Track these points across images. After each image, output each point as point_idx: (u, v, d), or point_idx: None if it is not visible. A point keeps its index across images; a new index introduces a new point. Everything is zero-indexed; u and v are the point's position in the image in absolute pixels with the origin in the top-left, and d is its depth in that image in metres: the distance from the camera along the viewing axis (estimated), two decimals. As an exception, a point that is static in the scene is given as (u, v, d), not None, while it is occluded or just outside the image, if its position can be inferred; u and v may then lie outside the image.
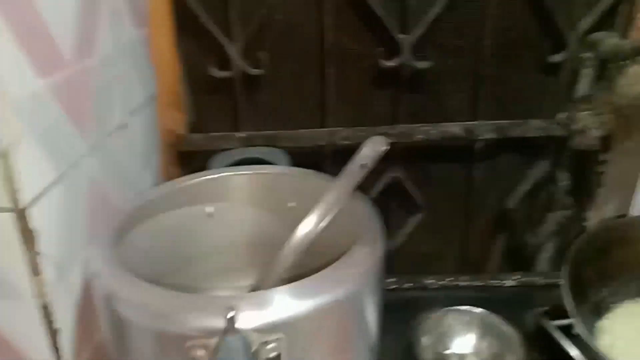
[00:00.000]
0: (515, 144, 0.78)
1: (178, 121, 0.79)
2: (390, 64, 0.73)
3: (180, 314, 0.40)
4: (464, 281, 0.82)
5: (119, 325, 0.44)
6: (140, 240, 0.55)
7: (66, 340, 0.50)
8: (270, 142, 0.77)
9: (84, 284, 0.53)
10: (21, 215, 0.44)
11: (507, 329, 0.65)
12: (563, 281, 0.62)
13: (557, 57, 0.74)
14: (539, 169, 0.81)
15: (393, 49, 0.73)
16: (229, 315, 0.37)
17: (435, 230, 0.85)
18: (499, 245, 0.86)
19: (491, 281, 0.81)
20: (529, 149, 0.80)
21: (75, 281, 0.52)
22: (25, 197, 0.44)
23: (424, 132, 0.76)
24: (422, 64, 0.74)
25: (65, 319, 0.50)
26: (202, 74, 0.76)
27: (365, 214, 0.52)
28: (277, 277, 0.52)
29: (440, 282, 0.81)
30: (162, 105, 0.76)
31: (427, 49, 0.74)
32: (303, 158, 0.79)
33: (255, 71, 0.75)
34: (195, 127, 0.80)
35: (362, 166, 0.52)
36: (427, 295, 0.81)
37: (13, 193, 0.43)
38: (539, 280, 0.82)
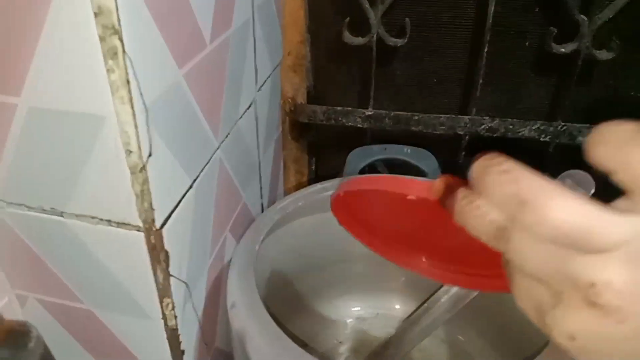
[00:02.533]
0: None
1: (298, 87, 0.70)
2: (562, 49, 0.60)
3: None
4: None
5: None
6: (274, 249, 0.49)
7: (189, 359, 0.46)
8: (400, 124, 0.67)
9: (207, 297, 0.48)
10: (155, 235, 0.38)
11: None
12: None
13: None
14: None
15: (568, 32, 0.60)
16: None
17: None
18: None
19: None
20: None
21: (200, 296, 0.47)
22: (160, 216, 0.38)
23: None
24: (603, 54, 0.60)
25: (190, 339, 0.46)
26: (332, 38, 0.66)
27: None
28: (433, 326, 0.45)
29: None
30: (284, 69, 0.68)
31: (609, 36, 0.59)
32: (436, 145, 0.70)
33: (394, 41, 0.64)
34: (316, 97, 0.71)
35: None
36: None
37: (148, 212, 0.37)
38: None
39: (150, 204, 0.37)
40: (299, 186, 0.79)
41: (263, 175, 0.63)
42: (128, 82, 0.32)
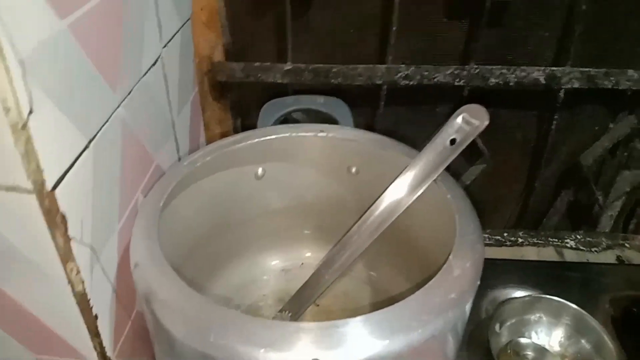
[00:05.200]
0: (603, 94, 0.67)
1: (214, 45, 0.68)
2: (470, -9, 0.61)
3: (227, 339, 0.33)
4: (521, 237, 0.75)
5: (157, 326, 0.38)
6: (184, 207, 0.49)
7: (105, 325, 0.45)
8: (319, 77, 0.67)
9: (121, 260, 0.47)
10: (48, 197, 0.36)
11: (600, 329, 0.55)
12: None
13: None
14: (623, 125, 0.71)
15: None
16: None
17: (496, 182, 0.77)
18: (563, 202, 0.79)
19: (550, 239, 0.75)
20: (615, 100, 0.69)
21: (111, 257, 0.46)
22: (51, 177, 0.36)
23: (500, 76, 0.65)
24: (508, -6, 0.61)
25: (104, 303, 0.45)
26: (245, -10, 0.64)
27: (460, 209, 0.44)
28: (346, 264, 0.46)
29: (494, 237, 0.75)
30: (197, 26, 0.65)
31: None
32: (356, 96, 0.70)
33: (308, -8, 0.63)
34: (234, 54, 0.69)
35: (453, 142, 0.43)
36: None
37: (36, 173, 0.35)
38: (601, 240, 0.75)
39: (38, 164, 0.35)
40: (225, 147, 0.77)
41: (179, 137, 0.61)
42: (-5, 34, 0.30)
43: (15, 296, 0.42)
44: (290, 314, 0.48)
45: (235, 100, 0.74)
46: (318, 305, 0.56)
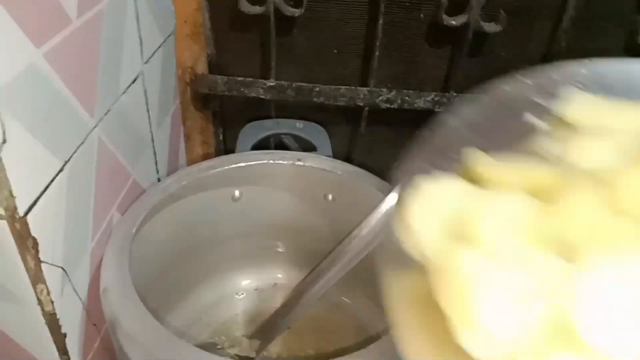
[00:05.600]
0: None
1: (198, 57, 0.69)
2: (453, 21, 0.62)
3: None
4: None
5: (120, 352, 0.39)
6: (158, 230, 0.50)
7: (74, 343, 0.46)
8: (302, 96, 0.67)
9: (92, 278, 0.48)
10: (20, 223, 0.37)
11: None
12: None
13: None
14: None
15: (459, 4, 0.61)
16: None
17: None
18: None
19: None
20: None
21: (83, 275, 0.46)
22: (23, 203, 0.37)
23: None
24: (491, 27, 0.62)
25: (73, 321, 0.45)
26: (231, 6, 0.64)
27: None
28: (318, 294, 0.47)
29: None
30: (181, 38, 0.66)
31: (496, 9, 0.61)
32: (337, 116, 0.71)
33: (292, 11, 0.63)
34: (217, 67, 0.70)
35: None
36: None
37: (8, 200, 0.36)
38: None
39: (10, 191, 0.36)
40: (206, 157, 0.78)
41: (158, 150, 0.62)
42: (-32, 67, 0.31)
43: (-16, 312, 0.43)
44: (259, 342, 0.49)
45: (218, 110, 0.74)
46: (289, 328, 0.57)
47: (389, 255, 0.28)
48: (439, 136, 0.33)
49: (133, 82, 0.52)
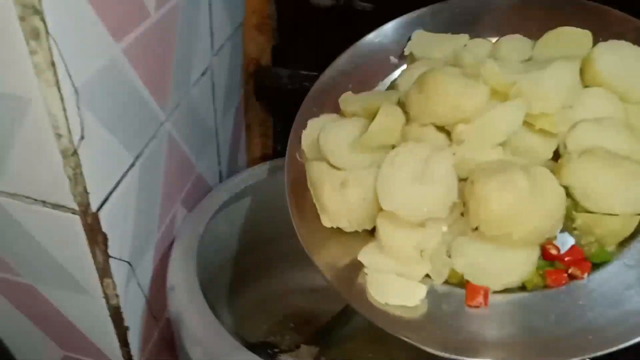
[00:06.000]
0: None
1: (263, 48, 0.68)
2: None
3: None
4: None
5: (181, 348, 0.39)
6: (222, 228, 0.50)
7: (135, 335, 0.46)
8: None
9: (155, 271, 0.48)
10: (92, 218, 0.37)
11: None
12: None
13: None
14: None
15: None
16: None
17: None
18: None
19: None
20: None
21: (147, 269, 0.46)
22: (96, 199, 0.37)
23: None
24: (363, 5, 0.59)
25: (136, 314, 0.46)
26: (298, -1, 0.63)
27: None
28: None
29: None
30: (248, 29, 0.65)
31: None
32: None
33: (363, 5, 0.61)
34: (281, 60, 0.68)
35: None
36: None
37: (82, 196, 0.36)
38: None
39: (85, 187, 0.36)
40: (265, 149, 0.77)
41: (221, 142, 0.61)
42: (53, 64, 0.30)
43: (53, 301, 0.43)
44: (317, 349, 0.48)
45: (278, 104, 0.73)
46: (349, 335, 0.56)
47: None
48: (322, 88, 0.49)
49: (202, 74, 0.52)
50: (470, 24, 0.48)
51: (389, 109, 0.41)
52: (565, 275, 0.36)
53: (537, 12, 0.46)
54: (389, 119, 0.41)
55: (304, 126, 0.46)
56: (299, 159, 0.45)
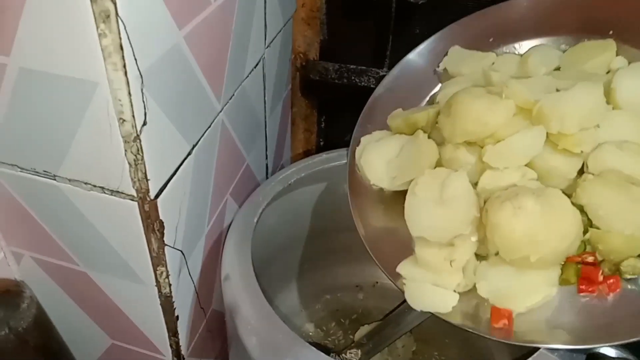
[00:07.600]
0: None
1: (311, 42, 0.67)
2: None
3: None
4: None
5: (235, 338, 0.39)
6: (273, 220, 0.49)
7: (184, 324, 0.46)
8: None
9: (204, 261, 0.48)
10: (150, 205, 0.37)
11: None
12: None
13: None
14: None
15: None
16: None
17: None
18: None
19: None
20: None
21: (197, 259, 0.46)
22: (154, 186, 0.37)
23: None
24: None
25: (186, 304, 0.46)
26: (350, -9, 0.62)
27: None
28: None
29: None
30: (297, 21, 0.64)
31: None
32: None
33: (416, -2, 0.60)
34: (328, 54, 0.68)
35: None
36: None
37: (142, 182, 0.36)
38: None
39: (145, 173, 0.35)
40: (308, 145, 0.76)
41: (269, 135, 0.61)
42: (121, 47, 0.30)
43: (104, 288, 0.44)
44: (360, 354, 0.48)
45: (323, 98, 0.73)
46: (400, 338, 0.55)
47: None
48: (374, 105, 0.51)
49: (255, 66, 0.51)
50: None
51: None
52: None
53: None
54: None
55: (358, 142, 0.49)
56: (358, 171, 0.47)
